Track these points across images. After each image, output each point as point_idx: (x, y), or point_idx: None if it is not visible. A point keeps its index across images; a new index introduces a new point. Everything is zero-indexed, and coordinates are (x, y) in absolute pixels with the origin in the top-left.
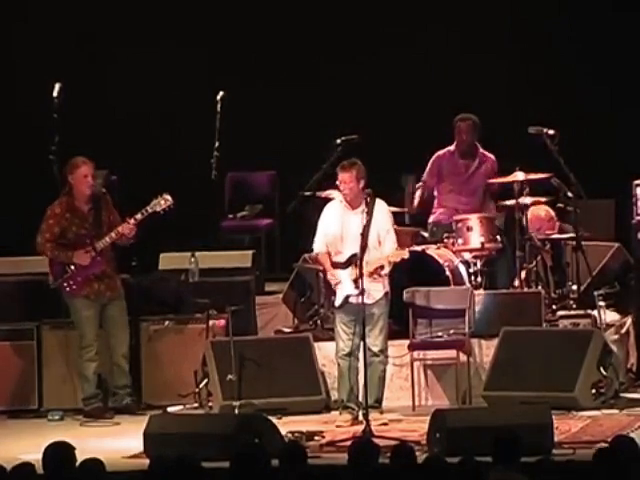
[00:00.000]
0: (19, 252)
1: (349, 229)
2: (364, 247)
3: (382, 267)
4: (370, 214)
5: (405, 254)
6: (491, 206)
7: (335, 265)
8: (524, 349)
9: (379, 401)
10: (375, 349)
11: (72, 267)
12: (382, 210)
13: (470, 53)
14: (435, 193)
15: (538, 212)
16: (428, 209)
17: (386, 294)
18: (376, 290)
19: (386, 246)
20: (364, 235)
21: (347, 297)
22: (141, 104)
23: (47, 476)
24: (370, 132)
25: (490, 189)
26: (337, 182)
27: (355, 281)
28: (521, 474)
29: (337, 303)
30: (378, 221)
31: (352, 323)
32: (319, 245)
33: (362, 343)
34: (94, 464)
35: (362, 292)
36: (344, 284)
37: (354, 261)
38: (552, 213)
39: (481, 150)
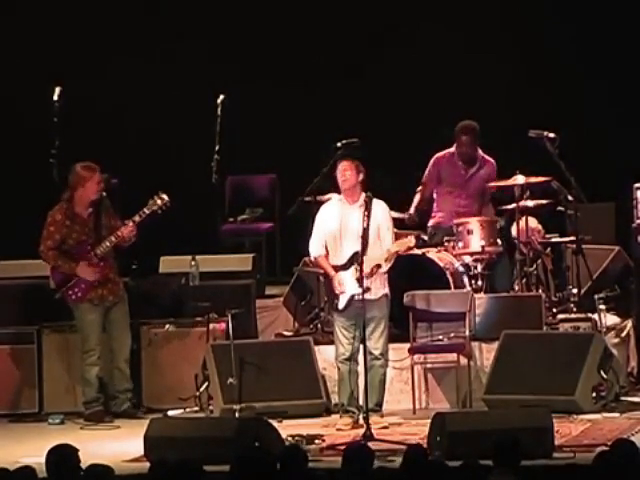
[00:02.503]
0: (19, 256)
1: (348, 224)
2: (364, 248)
3: (379, 266)
4: (369, 216)
5: (411, 242)
6: (490, 210)
7: (336, 268)
8: (524, 352)
9: (380, 404)
10: (376, 352)
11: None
12: (381, 207)
13: (470, 55)
14: (434, 195)
15: (529, 222)
16: (427, 212)
17: (386, 295)
18: (377, 287)
19: (386, 240)
20: (364, 237)
21: (351, 298)
22: (141, 107)
23: (50, 479)
24: (370, 135)
25: (487, 193)
26: (336, 173)
27: (358, 280)
28: (520, 478)
29: (341, 306)
30: (378, 216)
31: (352, 327)
32: (317, 248)
33: (362, 346)
34: (102, 470)
35: (364, 291)
36: (348, 286)
37: (356, 259)
38: (540, 226)
39: (481, 154)
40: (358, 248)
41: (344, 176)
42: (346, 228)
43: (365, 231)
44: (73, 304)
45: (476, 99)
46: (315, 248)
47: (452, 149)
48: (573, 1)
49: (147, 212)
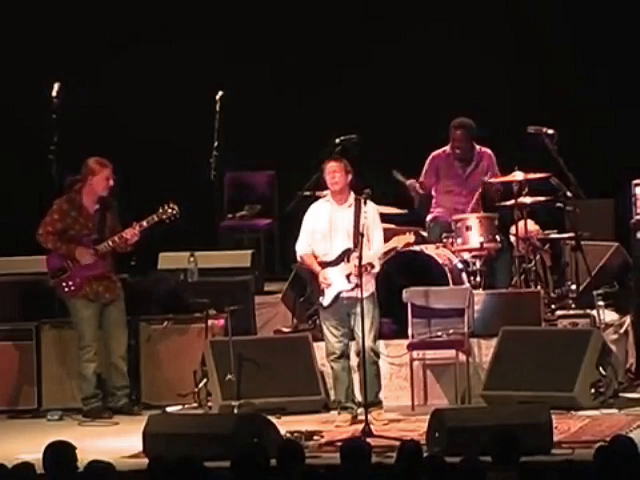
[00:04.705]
0: (18, 252)
1: (338, 225)
2: (357, 243)
3: (372, 265)
4: (359, 216)
5: (411, 238)
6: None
7: (323, 265)
8: (523, 349)
9: (377, 395)
10: (366, 348)
11: (71, 265)
12: (370, 206)
13: (469, 52)
14: (433, 193)
15: (528, 224)
16: (426, 208)
17: (373, 294)
18: (367, 285)
19: (375, 238)
20: (356, 237)
21: (337, 295)
22: (140, 103)
23: (47, 476)
24: (369, 132)
25: (490, 191)
26: (325, 175)
27: (348, 276)
28: (518, 474)
29: (325, 303)
30: (368, 223)
31: (340, 325)
32: (303, 247)
33: (355, 340)
34: (103, 466)
35: (357, 286)
36: (336, 282)
37: (348, 255)
38: (537, 227)
39: (477, 149)
40: (349, 246)
41: (334, 178)
42: (336, 228)
43: (357, 230)
44: (66, 298)
45: (475, 95)
46: (301, 247)
47: (447, 148)
48: (572, 1)
49: (156, 219)
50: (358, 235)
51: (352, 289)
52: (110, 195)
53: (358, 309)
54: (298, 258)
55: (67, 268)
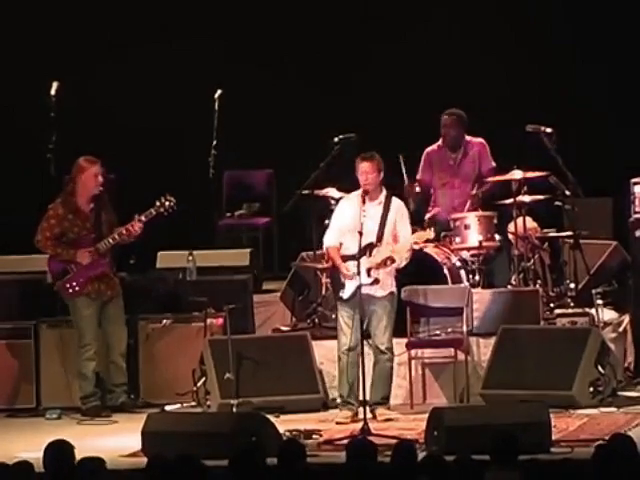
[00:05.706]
0: (16, 251)
1: (366, 221)
2: (380, 239)
3: (392, 260)
4: (387, 215)
5: (430, 234)
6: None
7: (345, 258)
8: (522, 347)
9: (387, 397)
10: (382, 347)
11: (73, 267)
12: (398, 205)
13: (469, 52)
14: (431, 190)
15: (527, 222)
16: (425, 207)
17: (392, 293)
18: (386, 284)
19: (401, 236)
20: (381, 230)
21: (358, 288)
22: (138, 102)
23: (47, 475)
24: (368, 131)
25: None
26: (357, 173)
27: (368, 271)
28: (517, 473)
29: (346, 296)
30: (395, 215)
31: (356, 318)
32: (331, 239)
33: (370, 339)
34: (94, 462)
35: (376, 282)
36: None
37: (370, 250)
38: (536, 224)
39: (467, 139)
40: (372, 241)
41: (367, 179)
42: (363, 225)
43: (382, 227)
44: (70, 298)
45: (475, 95)
46: (329, 239)
47: (440, 142)
48: (572, 1)
49: (154, 213)
50: (382, 231)
51: (371, 283)
52: (103, 192)
53: (374, 307)
54: (324, 249)
55: (69, 270)
